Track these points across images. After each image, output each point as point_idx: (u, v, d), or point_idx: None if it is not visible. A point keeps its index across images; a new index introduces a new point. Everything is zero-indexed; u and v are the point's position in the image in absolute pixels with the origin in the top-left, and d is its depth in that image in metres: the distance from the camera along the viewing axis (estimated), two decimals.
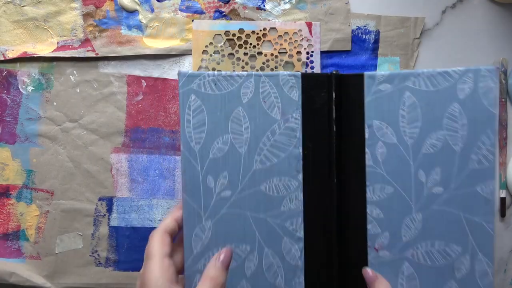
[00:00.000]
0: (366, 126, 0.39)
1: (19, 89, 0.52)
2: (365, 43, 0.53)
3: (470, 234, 0.38)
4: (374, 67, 0.53)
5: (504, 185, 0.54)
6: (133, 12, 0.52)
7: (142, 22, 0.52)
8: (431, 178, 0.38)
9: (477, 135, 0.37)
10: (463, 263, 0.38)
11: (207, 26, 0.52)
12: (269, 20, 0.52)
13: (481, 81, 0.37)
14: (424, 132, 0.38)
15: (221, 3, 0.52)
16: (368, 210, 0.39)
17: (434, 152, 0.38)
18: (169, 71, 0.53)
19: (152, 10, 0.52)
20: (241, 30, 0.52)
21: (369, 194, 0.39)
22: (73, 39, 0.52)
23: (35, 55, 0.51)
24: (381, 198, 0.39)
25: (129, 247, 0.52)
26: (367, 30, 0.53)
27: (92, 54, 0.52)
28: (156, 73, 0.53)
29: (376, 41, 0.53)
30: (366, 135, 0.39)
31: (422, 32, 0.54)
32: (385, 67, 0.53)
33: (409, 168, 0.38)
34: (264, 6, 0.52)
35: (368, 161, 0.39)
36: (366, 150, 0.39)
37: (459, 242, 0.38)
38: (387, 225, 0.39)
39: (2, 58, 0.51)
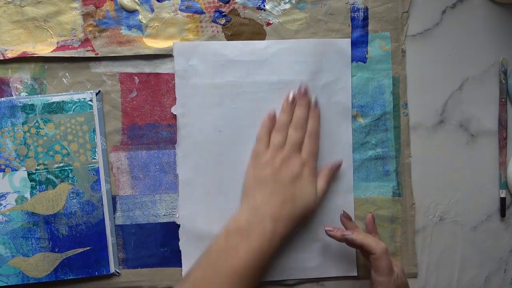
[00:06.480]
0: None
1: (12, 96, 0.52)
2: (354, 21, 0.53)
3: None
4: (365, 43, 0.53)
5: (504, 185, 0.54)
6: (133, 12, 0.52)
7: (142, 22, 0.52)
8: None
9: None
10: None
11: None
12: (268, 20, 0.52)
13: None
14: None
15: (221, 3, 0.52)
16: None
17: None
18: (161, 65, 0.52)
19: (152, 10, 0.52)
20: None
21: None
22: (73, 39, 0.51)
23: (35, 55, 0.51)
24: None
25: (136, 244, 0.52)
26: (355, 8, 0.53)
27: (92, 54, 0.51)
28: (148, 69, 0.53)
29: (365, 17, 0.53)
30: None
31: (411, 4, 0.53)
32: (376, 44, 0.53)
33: None
34: (264, 6, 0.52)
35: None
36: None
37: None
38: None
39: (2, 58, 0.51)
